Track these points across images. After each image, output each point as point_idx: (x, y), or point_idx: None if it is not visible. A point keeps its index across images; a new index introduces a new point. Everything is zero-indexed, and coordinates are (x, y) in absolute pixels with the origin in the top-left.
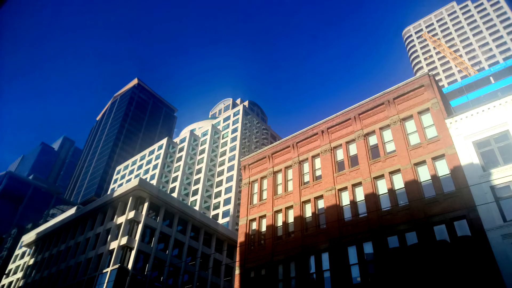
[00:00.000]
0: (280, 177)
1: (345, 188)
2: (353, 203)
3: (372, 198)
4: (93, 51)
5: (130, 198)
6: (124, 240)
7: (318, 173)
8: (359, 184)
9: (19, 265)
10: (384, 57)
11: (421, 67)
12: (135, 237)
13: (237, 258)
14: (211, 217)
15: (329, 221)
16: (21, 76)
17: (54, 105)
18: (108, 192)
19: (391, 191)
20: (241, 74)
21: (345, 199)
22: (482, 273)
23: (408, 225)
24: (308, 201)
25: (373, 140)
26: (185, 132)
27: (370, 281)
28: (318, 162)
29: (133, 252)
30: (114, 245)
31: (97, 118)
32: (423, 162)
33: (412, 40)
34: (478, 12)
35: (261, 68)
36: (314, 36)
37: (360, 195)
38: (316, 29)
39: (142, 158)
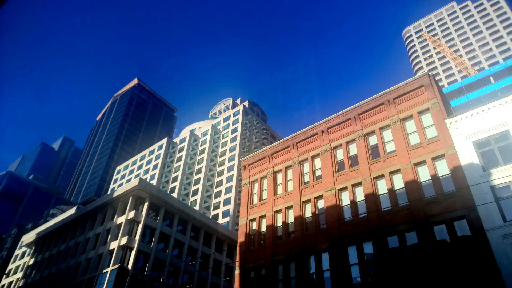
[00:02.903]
0: (280, 177)
1: (345, 188)
2: (353, 203)
3: (372, 198)
4: (93, 51)
5: (130, 198)
6: (124, 240)
7: (318, 173)
8: (359, 184)
9: (19, 265)
10: (384, 57)
11: (421, 67)
12: (135, 237)
13: (237, 258)
14: (211, 217)
15: (329, 221)
16: (21, 76)
17: (54, 105)
18: (108, 192)
19: (391, 191)
20: (241, 74)
21: (345, 199)
22: (482, 273)
23: (408, 225)
24: (308, 201)
25: (373, 140)
26: (185, 132)
27: (370, 281)
28: (318, 162)
29: (133, 252)
30: (114, 245)
31: (97, 118)
32: (423, 162)
33: (412, 40)
34: (478, 12)
35: (261, 68)
36: (314, 36)
37: (360, 195)
38: (316, 29)
39: (142, 158)
